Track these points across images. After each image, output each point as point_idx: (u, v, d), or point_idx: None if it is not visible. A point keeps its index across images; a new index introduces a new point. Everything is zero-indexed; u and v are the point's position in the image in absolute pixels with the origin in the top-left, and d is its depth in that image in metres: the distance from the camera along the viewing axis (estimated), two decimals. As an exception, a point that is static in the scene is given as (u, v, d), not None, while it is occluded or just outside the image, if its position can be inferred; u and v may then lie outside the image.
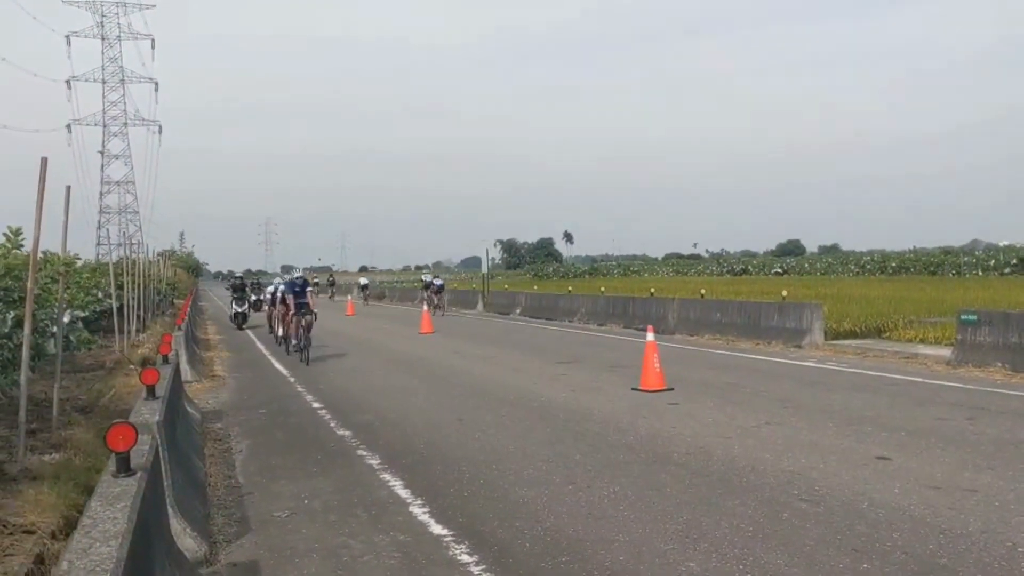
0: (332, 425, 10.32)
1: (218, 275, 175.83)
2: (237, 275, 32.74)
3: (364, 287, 53.58)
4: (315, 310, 17.57)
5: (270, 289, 25.34)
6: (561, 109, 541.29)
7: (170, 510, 5.34)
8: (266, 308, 26.23)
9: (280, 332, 20.80)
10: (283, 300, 19.50)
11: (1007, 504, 6.11)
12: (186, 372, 13.71)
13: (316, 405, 11.87)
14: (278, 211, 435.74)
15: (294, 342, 17.81)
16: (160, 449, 5.49)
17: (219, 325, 31.57)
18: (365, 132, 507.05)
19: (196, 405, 11.51)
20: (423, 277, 44.06)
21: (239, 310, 28.74)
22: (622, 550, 5.45)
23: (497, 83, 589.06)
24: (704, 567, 5.10)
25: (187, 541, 5.42)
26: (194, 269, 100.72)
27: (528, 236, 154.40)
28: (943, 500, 6.26)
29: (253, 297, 31.37)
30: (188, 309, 23.37)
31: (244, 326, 28.09)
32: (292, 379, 14.92)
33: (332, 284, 60.19)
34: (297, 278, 17.96)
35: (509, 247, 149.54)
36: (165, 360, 9.34)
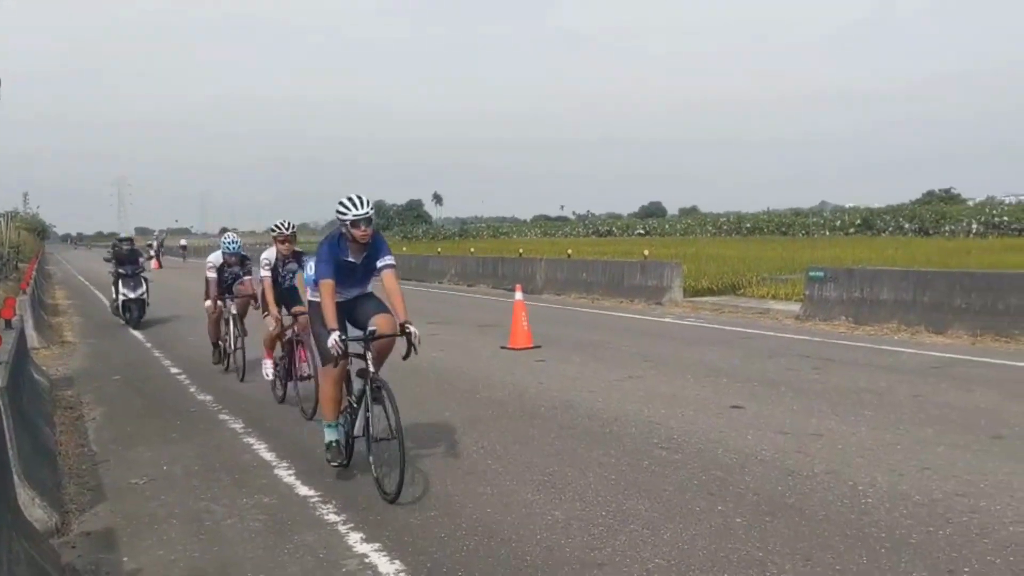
0: (192, 390, 9.99)
1: (66, 237, 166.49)
2: (122, 235, 19.40)
3: None
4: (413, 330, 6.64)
5: (214, 258, 10.69)
6: (424, 69, 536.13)
7: (16, 479, 5.06)
8: (208, 303, 10.82)
9: (280, 384, 8.93)
10: (274, 282, 8.51)
11: (849, 447, 6.52)
12: (32, 338, 12.96)
13: (174, 371, 11.46)
14: (132, 172, 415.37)
15: (343, 426, 6.38)
16: (3, 416, 5.18)
17: (69, 290, 29.94)
18: (224, 89, 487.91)
19: (45, 372, 10.90)
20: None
21: (132, 295, 16.62)
22: (490, 503, 5.53)
23: (361, 41, 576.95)
24: (569, 515, 5.23)
25: (36, 511, 5.16)
26: (40, 231, 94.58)
27: (396, 198, 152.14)
28: (791, 445, 6.62)
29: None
30: (33, 272, 22.00)
31: (139, 323, 16.63)
32: (148, 344, 14.33)
33: (185, 248, 61.01)
34: (362, 215, 6.06)
35: (377, 209, 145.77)
36: (8, 325, 8.84)
